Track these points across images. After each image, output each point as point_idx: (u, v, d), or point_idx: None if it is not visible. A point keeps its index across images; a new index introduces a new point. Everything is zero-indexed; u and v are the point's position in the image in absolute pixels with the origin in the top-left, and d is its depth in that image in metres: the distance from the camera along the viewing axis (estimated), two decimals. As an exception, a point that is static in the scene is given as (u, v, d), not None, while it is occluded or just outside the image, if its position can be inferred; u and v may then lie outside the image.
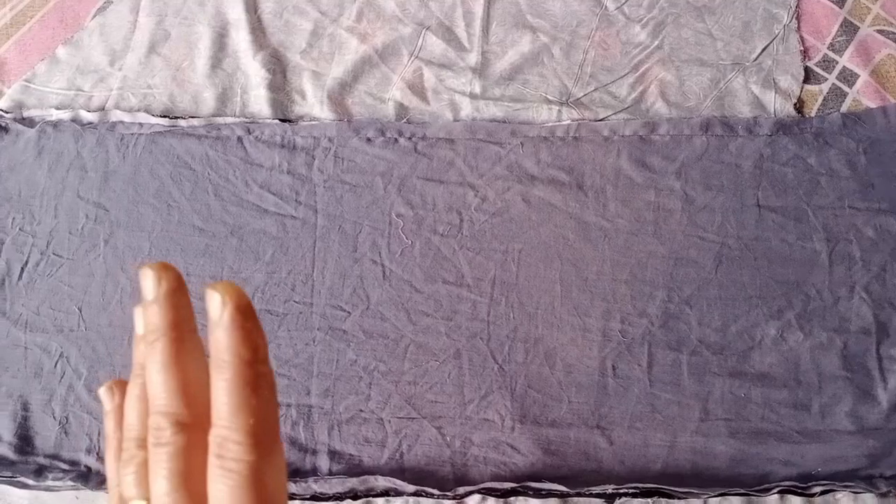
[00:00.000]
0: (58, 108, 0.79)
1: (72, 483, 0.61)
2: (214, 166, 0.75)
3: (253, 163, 0.75)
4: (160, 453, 0.22)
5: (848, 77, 0.78)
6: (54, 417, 0.65)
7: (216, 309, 0.23)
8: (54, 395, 0.66)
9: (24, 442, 0.64)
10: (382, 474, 0.60)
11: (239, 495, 0.20)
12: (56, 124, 0.78)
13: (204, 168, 0.75)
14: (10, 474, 0.62)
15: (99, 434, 0.64)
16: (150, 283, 0.24)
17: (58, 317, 0.69)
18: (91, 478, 0.62)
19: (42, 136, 0.77)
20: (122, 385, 0.27)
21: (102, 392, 0.28)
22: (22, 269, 0.72)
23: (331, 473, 0.60)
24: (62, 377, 0.66)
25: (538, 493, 0.59)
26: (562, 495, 0.59)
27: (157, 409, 0.23)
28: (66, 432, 0.64)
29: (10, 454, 0.64)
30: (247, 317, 0.23)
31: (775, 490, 0.58)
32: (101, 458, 0.63)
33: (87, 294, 0.70)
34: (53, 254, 0.72)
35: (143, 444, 0.23)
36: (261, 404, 0.22)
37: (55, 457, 0.63)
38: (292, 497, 0.60)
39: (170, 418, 0.22)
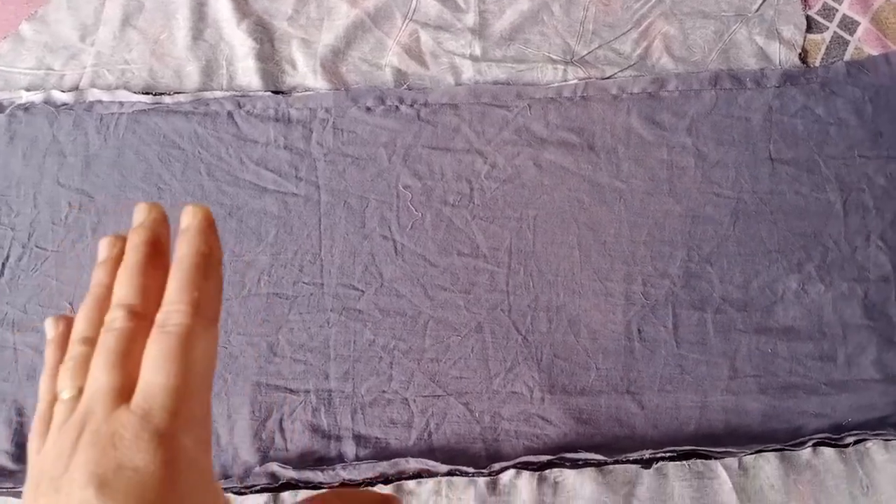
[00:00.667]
0: (28, 90, 0.73)
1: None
2: (205, 144, 0.70)
3: (246, 139, 0.70)
4: (107, 338, 0.23)
5: (848, 25, 0.77)
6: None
7: (186, 220, 0.25)
8: (54, 397, 0.62)
9: (22, 449, 0.61)
10: (412, 456, 0.58)
11: (169, 354, 0.21)
12: (27, 107, 0.72)
13: (194, 147, 0.70)
14: (10, 485, 0.59)
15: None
16: (140, 214, 0.27)
17: (47, 314, 0.65)
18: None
19: (13, 121, 0.72)
20: (67, 319, 0.27)
21: (48, 322, 0.28)
22: (3, 264, 0.67)
23: (358, 459, 0.58)
24: (61, 377, 0.62)
25: (574, 464, 0.58)
26: (599, 464, 0.58)
27: (116, 303, 0.24)
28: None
29: (8, 463, 0.60)
30: (209, 226, 0.25)
31: (809, 443, 0.58)
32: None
33: (77, 288, 0.66)
34: (37, 246, 0.68)
35: (88, 342, 0.24)
36: (207, 284, 0.23)
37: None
38: (320, 486, 0.57)
39: (125, 309, 0.23)
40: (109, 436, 0.20)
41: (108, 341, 0.22)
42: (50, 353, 0.27)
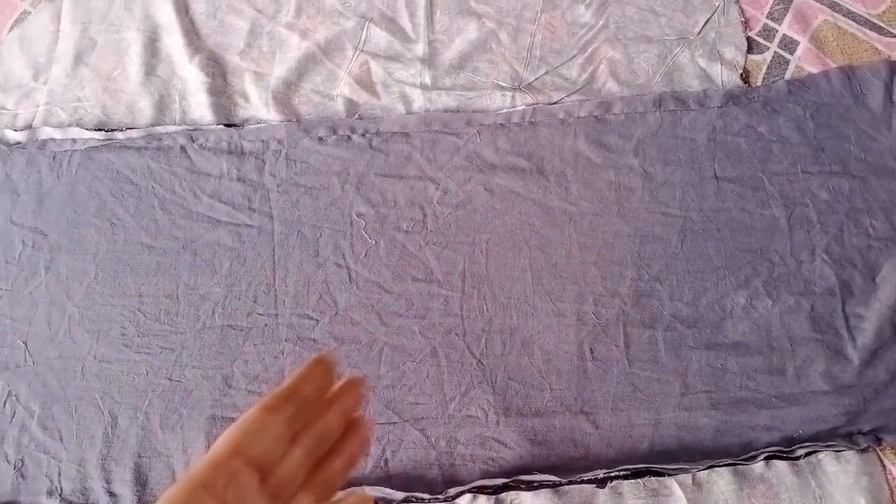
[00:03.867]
0: (-21, 130, 0.73)
1: (34, 530, 0.57)
2: (158, 179, 0.71)
3: (200, 172, 0.71)
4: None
5: (789, 44, 0.79)
6: (8, 461, 0.60)
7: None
8: (6, 438, 0.61)
9: (-25, 489, 0.60)
10: (369, 484, 0.58)
11: None
12: (-21, 147, 0.72)
13: (147, 181, 0.71)
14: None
15: (59, 474, 0.59)
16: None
17: (2, 353, 0.65)
18: (55, 522, 0.58)
19: (-36, 161, 0.72)
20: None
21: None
22: (-45, 305, 0.67)
23: (315, 489, 0.58)
24: (13, 417, 0.62)
25: (530, 486, 0.58)
26: (554, 485, 0.58)
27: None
28: (22, 476, 0.60)
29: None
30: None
31: (761, 457, 0.59)
32: (64, 500, 0.59)
33: (31, 326, 0.66)
34: (-11, 286, 0.67)
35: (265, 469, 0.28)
36: None
37: (13, 503, 0.59)
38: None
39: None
40: None
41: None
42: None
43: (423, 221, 0.69)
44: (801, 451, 0.59)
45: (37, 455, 0.60)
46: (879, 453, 0.59)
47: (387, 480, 0.59)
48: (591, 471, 0.58)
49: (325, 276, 0.66)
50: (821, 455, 0.59)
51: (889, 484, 0.58)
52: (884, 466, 0.59)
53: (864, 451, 0.59)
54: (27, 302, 0.67)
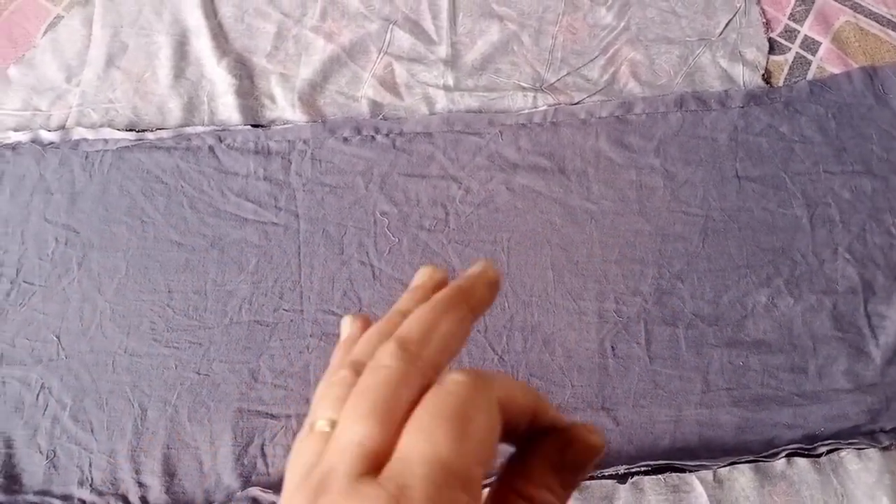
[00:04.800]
0: (15, 130, 0.75)
1: (67, 518, 0.59)
2: (187, 178, 0.72)
3: (227, 171, 0.72)
4: (372, 377, 0.19)
5: (810, 45, 0.79)
6: (41, 452, 0.62)
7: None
8: (39, 429, 0.63)
9: (11, 480, 0.61)
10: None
11: (444, 417, 0.17)
12: (15, 147, 0.74)
13: (176, 181, 0.72)
14: (-1, 514, 0.59)
15: (90, 465, 0.61)
16: (484, 273, 0.24)
17: (35, 347, 0.66)
18: (87, 510, 0.59)
19: (1, 161, 0.74)
20: (365, 320, 0.25)
21: (344, 320, 0.25)
22: (-9, 300, 0.69)
23: (339, 481, 0.59)
24: (45, 409, 0.63)
25: (551, 480, 0.58)
26: (575, 480, 0.58)
27: (396, 335, 0.20)
28: (54, 466, 0.61)
29: (-3, 495, 0.61)
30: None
31: (783, 454, 0.59)
32: (94, 490, 0.60)
33: (64, 321, 0.67)
34: (24, 282, 0.69)
35: (359, 369, 0.20)
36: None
37: (46, 493, 0.60)
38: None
39: (401, 346, 0.20)
40: None
41: (372, 381, 0.19)
42: (337, 358, 0.24)
43: (445, 220, 0.70)
44: (822, 449, 0.59)
45: (68, 446, 0.62)
46: (903, 452, 0.59)
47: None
48: (612, 466, 0.58)
49: (350, 273, 0.68)
50: (843, 453, 0.59)
51: (913, 483, 0.58)
52: (907, 465, 0.59)
53: (886, 448, 0.59)
54: (60, 297, 0.68)
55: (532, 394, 0.21)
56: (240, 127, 0.74)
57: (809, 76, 0.77)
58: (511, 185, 0.71)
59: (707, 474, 0.59)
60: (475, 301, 0.22)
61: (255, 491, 0.58)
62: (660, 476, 0.59)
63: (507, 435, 0.20)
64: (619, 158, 0.72)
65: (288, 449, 0.61)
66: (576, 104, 0.75)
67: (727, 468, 0.59)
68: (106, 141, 0.74)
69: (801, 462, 0.59)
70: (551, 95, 0.76)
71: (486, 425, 0.18)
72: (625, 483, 0.58)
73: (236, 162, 0.73)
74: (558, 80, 0.77)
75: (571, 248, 0.68)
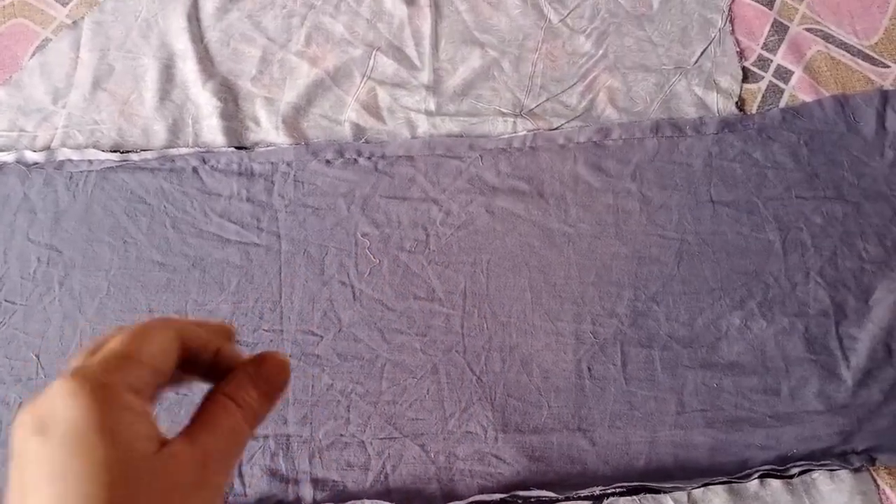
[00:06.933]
0: (1, 151, 0.76)
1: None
2: (171, 199, 0.73)
3: (210, 192, 0.73)
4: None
5: (783, 74, 0.81)
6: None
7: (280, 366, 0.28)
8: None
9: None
10: (369, 497, 0.59)
11: (131, 333, 0.24)
12: (0, 167, 0.75)
13: (160, 201, 0.73)
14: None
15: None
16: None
17: (15, 366, 0.66)
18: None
19: (-15, 180, 0.74)
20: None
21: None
22: (-29, 319, 0.69)
23: (315, 502, 0.59)
24: (23, 429, 0.63)
25: (527, 502, 0.59)
26: (551, 501, 0.59)
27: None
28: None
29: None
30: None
31: (756, 475, 0.59)
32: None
33: (44, 340, 0.67)
34: (6, 300, 0.69)
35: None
36: None
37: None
38: (277, 530, 0.58)
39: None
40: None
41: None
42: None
43: (425, 241, 0.71)
44: (795, 470, 0.60)
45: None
46: (873, 473, 0.60)
47: (386, 495, 0.60)
48: (588, 487, 0.59)
49: (330, 293, 0.68)
50: (815, 474, 0.60)
51: (882, 503, 0.59)
52: (877, 486, 0.60)
53: (857, 470, 0.60)
54: (41, 317, 0.69)
55: (218, 334, 0.27)
56: (224, 149, 0.75)
57: (782, 104, 0.79)
58: (491, 208, 0.73)
59: (681, 495, 0.59)
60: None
61: (230, 511, 0.58)
62: (635, 497, 0.59)
63: (194, 363, 0.26)
64: (596, 183, 0.74)
65: (265, 469, 0.61)
66: (554, 129, 0.77)
67: (701, 489, 0.59)
68: (90, 162, 0.75)
69: (775, 483, 0.59)
70: (531, 121, 0.77)
71: (159, 339, 0.24)
72: (600, 504, 0.59)
73: (219, 183, 0.74)
74: (538, 105, 0.79)
75: (549, 271, 0.69)
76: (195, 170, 0.74)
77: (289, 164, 0.74)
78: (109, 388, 0.21)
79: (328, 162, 0.75)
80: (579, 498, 0.59)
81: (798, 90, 0.80)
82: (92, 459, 0.19)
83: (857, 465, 0.60)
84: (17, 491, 0.20)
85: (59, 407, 0.20)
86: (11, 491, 0.20)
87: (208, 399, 0.25)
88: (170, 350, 0.24)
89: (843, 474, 0.59)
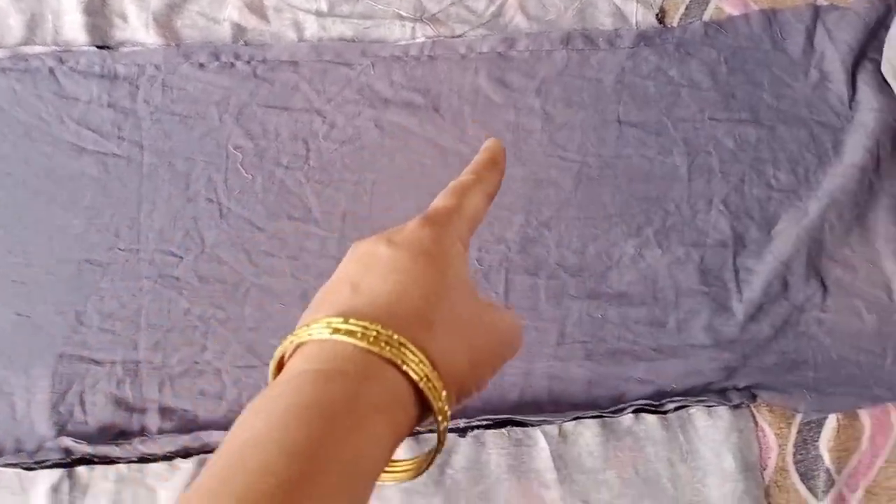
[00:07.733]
0: None
1: None
2: (23, 103, 0.66)
3: (68, 96, 0.66)
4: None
5: (712, -16, 0.75)
6: None
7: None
8: None
9: None
10: (219, 428, 0.55)
11: (452, 191, 0.30)
12: None
13: (11, 105, 0.66)
14: None
15: None
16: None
17: None
18: None
19: None
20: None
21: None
22: None
23: (160, 432, 0.55)
24: None
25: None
26: (412, 434, 0.55)
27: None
28: None
29: None
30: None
31: (629, 409, 0.57)
32: None
33: None
34: None
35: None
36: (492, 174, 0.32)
37: None
38: (117, 461, 0.54)
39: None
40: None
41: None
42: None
43: (305, 157, 0.65)
44: (671, 406, 0.57)
45: None
46: (753, 410, 0.58)
47: (243, 424, 0.56)
48: (452, 420, 0.56)
49: (195, 211, 0.63)
50: (692, 410, 0.58)
51: (759, 441, 0.57)
52: (756, 423, 0.57)
53: (737, 407, 0.57)
54: None
55: (490, 193, 0.31)
56: (85, 48, 0.68)
57: (706, 17, 0.73)
58: (380, 122, 0.67)
59: (552, 428, 0.56)
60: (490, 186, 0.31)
61: (66, 441, 0.54)
62: (503, 430, 0.56)
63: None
64: (497, 97, 0.68)
65: (110, 397, 0.57)
66: (456, 37, 0.70)
67: (573, 423, 0.57)
68: (-68, 58, 0.67)
69: (650, 418, 0.57)
70: (431, 27, 0.70)
71: (477, 197, 0.30)
72: (465, 437, 0.56)
73: (78, 86, 0.66)
74: (441, 10, 0.71)
75: (439, 193, 0.64)
76: (52, 71, 0.67)
77: (157, 67, 0.67)
78: (446, 230, 0.26)
79: (201, 65, 0.67)
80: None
81: (724, 2, 0.74)
82: (426, 263, 0.24)
83: (737, 401, 0.57)
84: (344, 281, 0.25)
85: (408, 230, 0.26)
86: (338, 281, 0.25)
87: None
88: (483, 206, 0.30)
89: (721, 410, 0.57)
